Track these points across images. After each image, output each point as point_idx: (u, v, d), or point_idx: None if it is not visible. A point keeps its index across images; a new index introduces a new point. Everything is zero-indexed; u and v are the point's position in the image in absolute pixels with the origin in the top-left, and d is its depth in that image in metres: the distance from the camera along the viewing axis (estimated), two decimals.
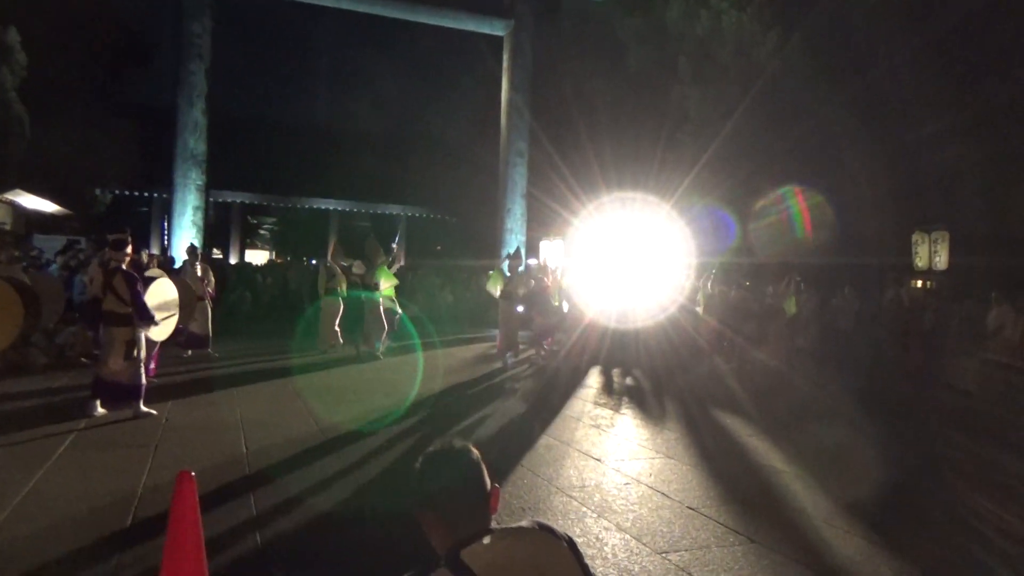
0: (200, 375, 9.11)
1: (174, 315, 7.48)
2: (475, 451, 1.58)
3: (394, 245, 12.16)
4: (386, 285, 11.51)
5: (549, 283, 12.61)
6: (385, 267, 11.50)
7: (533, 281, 12.57)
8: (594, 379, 10.29)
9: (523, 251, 15.37)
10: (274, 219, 35.63)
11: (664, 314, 12.07)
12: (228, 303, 16.00)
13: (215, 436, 6.13)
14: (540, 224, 21.11)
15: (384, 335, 11.28)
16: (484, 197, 23.21)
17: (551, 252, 20.14)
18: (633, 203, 15.55)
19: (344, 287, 11.57)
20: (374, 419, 7.00)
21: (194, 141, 17.07)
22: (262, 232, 36.85)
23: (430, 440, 1.83)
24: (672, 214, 15.29)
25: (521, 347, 12.11)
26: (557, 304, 12.65)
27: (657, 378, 10.56)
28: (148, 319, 6.76)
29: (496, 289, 12.07)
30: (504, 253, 16.86)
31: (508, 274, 12.09)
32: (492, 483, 1.58)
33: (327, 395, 8.12)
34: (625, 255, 13.54)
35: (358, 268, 11.86)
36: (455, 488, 1.52)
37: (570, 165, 19.31)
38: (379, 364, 10.71)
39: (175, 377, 8.86)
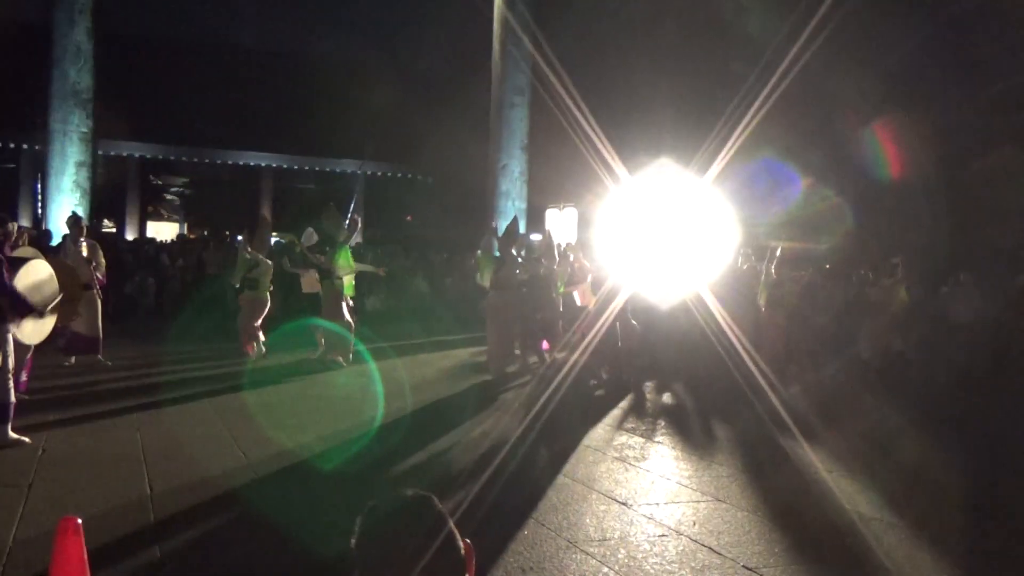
0: (87, 390, 9.08)
1: (52, 310, 7.38)
2: (436, 503, 1.57)
3: (355, 216, 12.30)
4: (347, 274, 11.64)
5: (579, 268, 12.75)
6: (347, 248, 11.60)
7: (543, 264, 12.66)
8: (619, 396, 10.26)
9: (522, 223, 15.39)
10: (186, 179, 35.50)
11: (711, 309, 12.05)
12: (124, 294, 15.91)
13: (108, 472, 6.12)
14: (545, 187, 21.13)
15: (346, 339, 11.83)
16: (471, 150, 23.16)
17: (560, 225, 20.30)
18: (671, 160, 15.58)
19: (268, 278, 11.76)
20: (320, 452, 7.00)
21: (76, 73, 16.99)
22: (169, 197, 36.76)
23: (394, 481, 1.85)
24: (723, 176, 15.44)
25: (516, 353, 12.15)
26: (559, 294, 12.80)
27: (703, 394, 10.53)
28: (24, 310, 6.66)
29: (485, 277, 12.13)
30: (494, 225, 16.83)
31: (499, 255, 12.12)
32: (463, 541, 1.56)
33: (259, 418, 8.08)
34: (660, 230, 13.67)
35: (307, 242, 12.18)
36: (404, 555, 1.49)
37: (587, 108, 19.30)
38: (329, 377, 10.81)
39: (54, 393, 8.78)
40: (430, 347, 14.07)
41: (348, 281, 11.93)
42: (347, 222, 12.31)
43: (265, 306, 11.88)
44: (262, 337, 11.83)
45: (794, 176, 18.68)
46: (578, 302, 12.87)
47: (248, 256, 11.76)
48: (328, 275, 11.68)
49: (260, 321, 11.82)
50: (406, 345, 13.07)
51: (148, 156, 30.11)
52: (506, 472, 6.56)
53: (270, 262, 11.98)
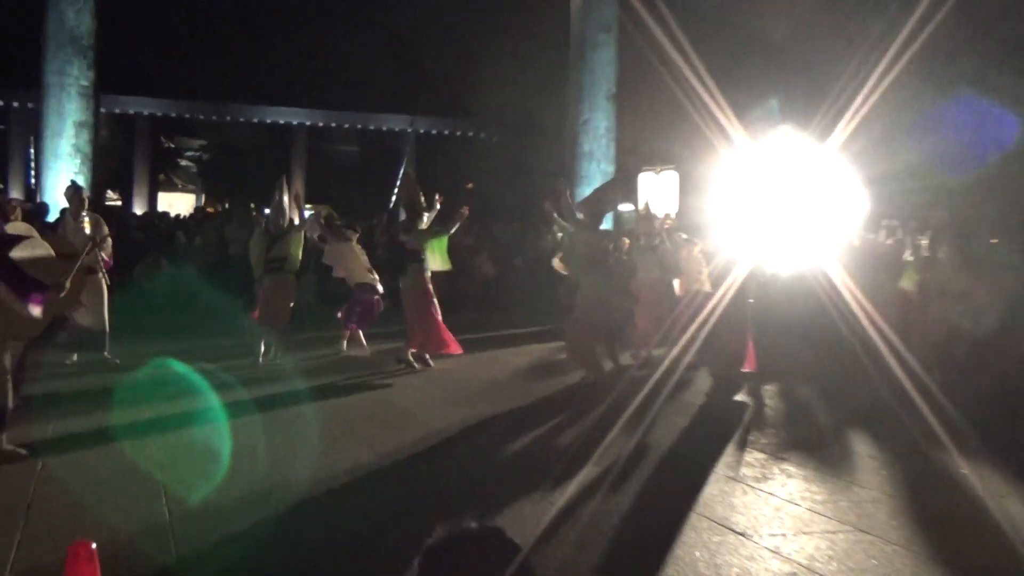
0: (92, 394, 9.17)
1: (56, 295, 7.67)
2: (507, 535, 1.60)
3: (409, 173, 13.02)
4: (438, 266, 12.13)
5: (691, 255, 13.06)
6: (437, 231, 12.21)
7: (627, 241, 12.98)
8: (733, 400, 10.34)
9: (620, 191, 15.37)
10: (203, 142, 35.89)
11: (846, 293, 11.85)
12: (133, 278, 16.22)
13: (118, 491, 6.22)
14: (638, 146, 21.22)
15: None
16: (545, 102, 23.39)
17: (656, 194, 20.09)
18: (795, 112, 15.31)
19: (298, 251, 12.26)
20: (375, 471, 7.02)
21: (75, 15, 17.21)
22: (184, 164, 37.33)
23: (460, 509, 1.81)
24: (862, 132, 15.14)
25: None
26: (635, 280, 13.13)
27: (837, 399, 10.49)
28: (37, 295, 6.69)
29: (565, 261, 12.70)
30: (566, 190, 16.92)
31: (572, 228, 12.08)
32: None
33: (299, 429, 8.26)
34: (783, 199, 13.53)
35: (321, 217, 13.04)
36: None
37: (689, 48, 19.10)
38: (379, 381, 10.98)
39: (54, 398, 8.88)
40: (498, 342, 14.23)
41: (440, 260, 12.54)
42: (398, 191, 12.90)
43: (293, 290, 12.26)
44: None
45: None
46: (676, 291, 13.18)
47: (270, 224, 12.25)
48: (414, 258, 11.87)
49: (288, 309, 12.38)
50: (470, 340, 13.00)
51: (159, 114, 30.33)
52: (597, 496, 6.51)
53: (300, 232, 12.39)
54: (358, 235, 13.41)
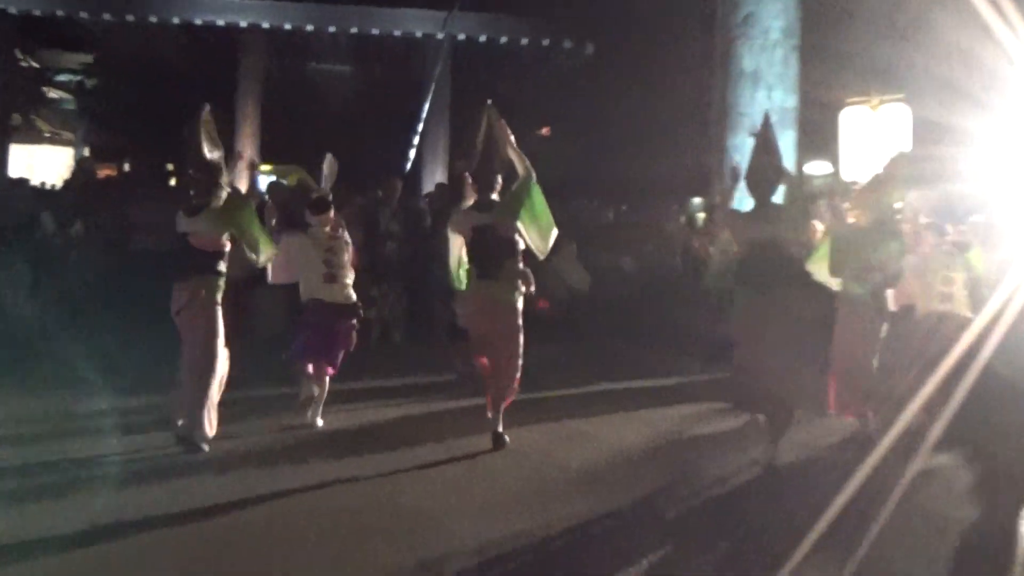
0: None
1: None
2: None
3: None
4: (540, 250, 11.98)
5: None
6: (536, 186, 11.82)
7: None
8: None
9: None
10: (87, 59, 37.57)
11: None
12: None
13: None
14: (841, 64, 21.42)
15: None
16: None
17: (876, 140, 19.91)
18: None
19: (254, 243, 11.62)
20: None
21: None
22: (56, 95, 38.89)
23: None
24: None
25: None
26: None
27: None
28: None
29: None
30: (734, 162, 16.19)
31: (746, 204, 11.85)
32: None
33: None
34: None
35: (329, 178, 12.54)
36: None
37: None
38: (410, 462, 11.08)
39: None
40: (624, 396, 14.72)
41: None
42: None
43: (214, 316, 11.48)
44: (216, 394, 11.52)
45: None
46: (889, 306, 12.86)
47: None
48: (510, 251, 11.79)
49: (221, 346, 11.43)
50: (574, 396, 13.73)
51: (14, 11, 30.06)
52: None
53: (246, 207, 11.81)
54: (331, 216, 12.63)
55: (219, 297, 11.53)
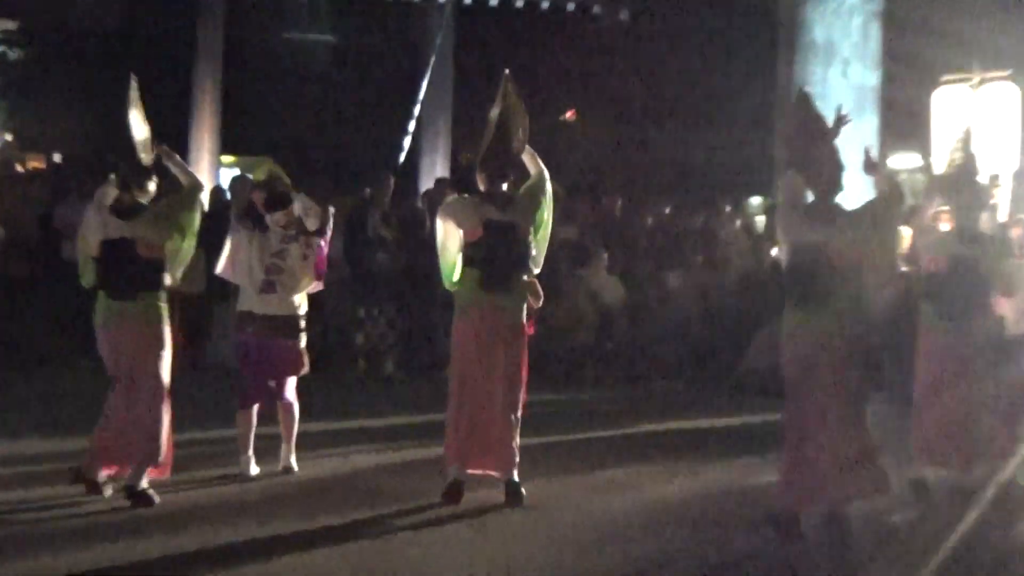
0: None
1: None
2: None
3: None
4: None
5: None
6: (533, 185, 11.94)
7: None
8: None
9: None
10: (10, 26, 37.98)
11: None
12: None
13: None
14: (926, 38, 21.04)
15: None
16: None
17: (978, 124, 19.04)
18: None
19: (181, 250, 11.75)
20: None
21: None
22: None
23: None
24: None
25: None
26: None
27: None
28: None
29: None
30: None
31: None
32: None
33: None
34: None
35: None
36: None
37: None
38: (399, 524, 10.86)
39: None
40: (665, 440, 15.12)
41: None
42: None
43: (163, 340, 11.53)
44: (165, 435, 11.47)
45: None
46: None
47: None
48: (521, 260, 11.94)
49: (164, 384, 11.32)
50: (606, 439, 14.27)
51: None
52: None
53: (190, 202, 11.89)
54: (289, 214, 12.69)
55: (166, 316, 11.68)
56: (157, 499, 11.06)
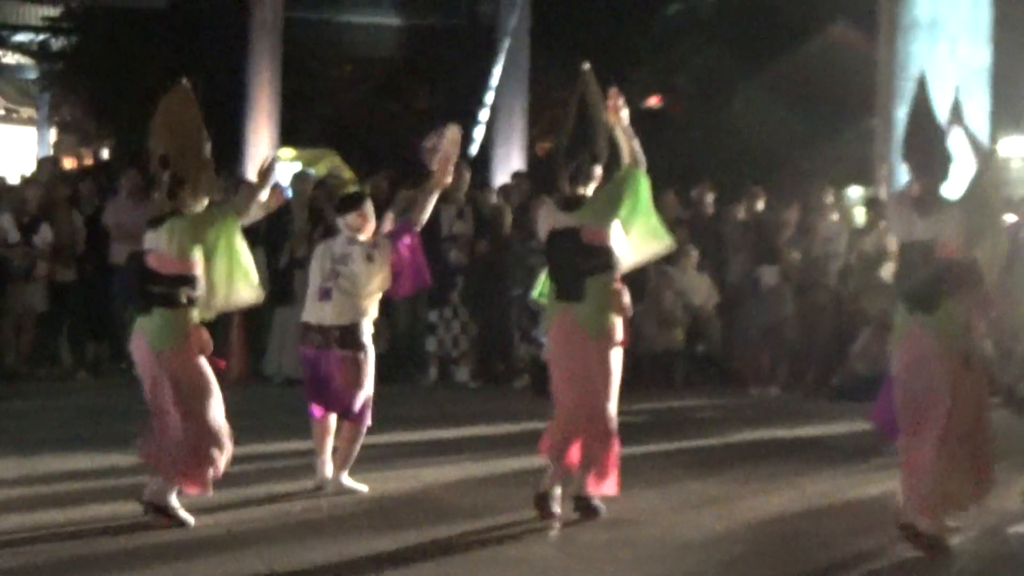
0: None
1: None
2: None
3: None
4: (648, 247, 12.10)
5: None
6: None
7: None
8: None
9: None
10: (52, 12, 38.65)
11: None
12: None
13: None
14: None
15: None
16: None
17: None
18: None
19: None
20: None
21: None
22: (11, 62, 39.94)
23: None
24: None
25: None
26: None
27: None
28: None
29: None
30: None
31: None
32: None
33: None
34: None
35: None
36: None
37: None
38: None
39: None
40: (766, 451, 15.38)
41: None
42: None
43: (201, 344, 11.44)
44: (228, 446, 11.54)
45: None
46: None
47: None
48: (604, 262, 11.75)
49: (214, 403, 11.40)
50: (699, 450, 14.50)
51: None
52: None
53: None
54: (363, 215, 12.86)
55: (192, 333, 11.39)
56: (191, 521, 11.23)
